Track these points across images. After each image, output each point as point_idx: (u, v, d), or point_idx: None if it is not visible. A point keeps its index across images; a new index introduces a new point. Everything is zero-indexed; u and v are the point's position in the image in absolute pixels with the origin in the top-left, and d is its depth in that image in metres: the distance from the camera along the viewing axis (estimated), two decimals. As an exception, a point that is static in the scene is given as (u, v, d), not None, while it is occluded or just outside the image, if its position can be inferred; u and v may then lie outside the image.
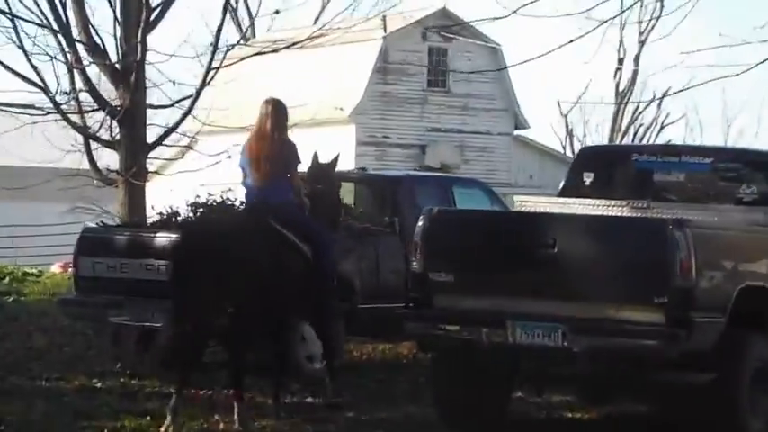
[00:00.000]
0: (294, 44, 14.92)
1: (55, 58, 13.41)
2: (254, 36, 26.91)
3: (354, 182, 11.75)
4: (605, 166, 9.57)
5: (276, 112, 8.86)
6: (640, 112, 52.87)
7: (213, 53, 13.83)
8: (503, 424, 8.66)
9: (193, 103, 13.79)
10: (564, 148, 52.32)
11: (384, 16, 31.10)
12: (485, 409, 8.52)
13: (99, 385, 9.84)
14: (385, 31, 31.30)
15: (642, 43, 45.67)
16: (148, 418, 8.44)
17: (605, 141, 53.24)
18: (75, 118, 13.87)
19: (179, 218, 11.11)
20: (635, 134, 52.82)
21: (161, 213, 11.19)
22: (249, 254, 8.36)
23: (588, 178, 9.43)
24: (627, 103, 47.12)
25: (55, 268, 25.24)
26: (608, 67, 47.19)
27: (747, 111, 78.85)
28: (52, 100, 13.44)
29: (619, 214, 8.61)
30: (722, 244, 7.83)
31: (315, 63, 31.01)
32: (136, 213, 13.33)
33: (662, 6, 25.35)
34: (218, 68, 13.88)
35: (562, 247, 7.75)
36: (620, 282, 7.63)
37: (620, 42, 39.20)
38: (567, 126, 55.66)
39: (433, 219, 8.29)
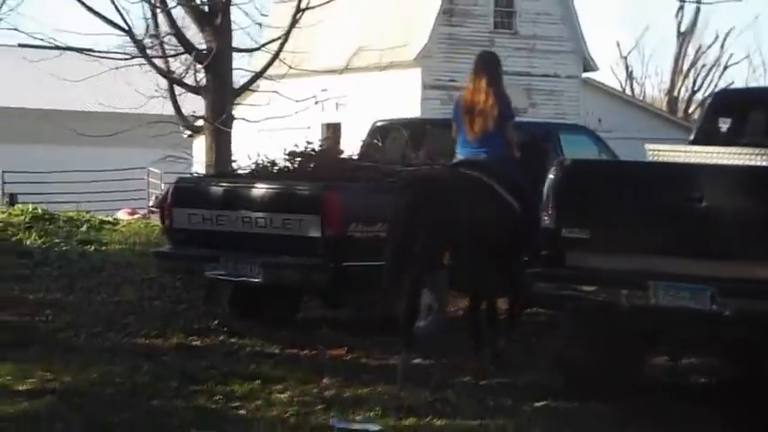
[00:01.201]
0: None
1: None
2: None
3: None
4: (744, 111, 8.87)
5: (489, 65, 8.74)
6: (703, 53, 51.77)
7: (302, -7, 13.25)
8: (633, 390, 8.08)
9: (281, 46, 13.22)
10: (623, 89, 51.39)
11: (448, -45, 30.32)
12: (616, 375, 7.94)
13: (198, 344, 9.40)
14: (450, -30, 30.54)
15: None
16: (258, 382, 7.96)
17: (666, 83, 52.26)
18: (158, 62, 13.34)
19: (275, 167, 10.59)
20: (696, 75, 51.75)
21: (256, 162, 10.67)
22: (463, 207, 8.23)
23: (725, 124, 8.76)
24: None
25: (121, 215, 24.99)
26: (669, 6, 46.00)
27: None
28: (138, 43, 12.90)
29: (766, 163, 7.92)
30: None
31: (378, 6, 30.29)
32: (222, 161, 12.83)
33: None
34: (305, 10, 13.28)
35: (711, 201, 7.11)
36: (776, 239, 7.00)
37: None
38: (626, 68, 54.67)
39: (566, 170, 7.68)
